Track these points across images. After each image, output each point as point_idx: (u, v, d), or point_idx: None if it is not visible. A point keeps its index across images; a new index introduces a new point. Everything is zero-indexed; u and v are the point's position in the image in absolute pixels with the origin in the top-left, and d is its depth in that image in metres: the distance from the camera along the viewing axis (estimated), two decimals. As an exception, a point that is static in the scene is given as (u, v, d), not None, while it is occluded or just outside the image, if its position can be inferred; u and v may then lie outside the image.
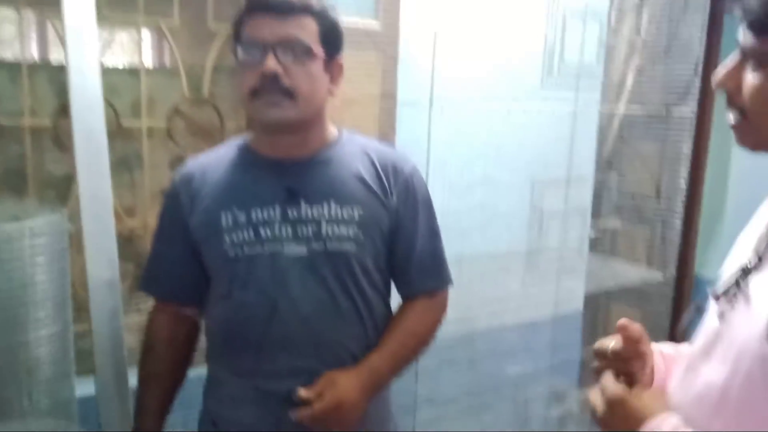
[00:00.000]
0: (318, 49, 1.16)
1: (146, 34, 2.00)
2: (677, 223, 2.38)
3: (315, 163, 1.22)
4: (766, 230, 0.80)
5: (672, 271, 2.41)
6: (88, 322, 1.49)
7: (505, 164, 2.34)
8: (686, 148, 2.33)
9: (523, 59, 2.24)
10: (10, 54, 1.83)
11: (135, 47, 1.96)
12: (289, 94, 1.13)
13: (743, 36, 0.73)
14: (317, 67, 1.17)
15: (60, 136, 1.86)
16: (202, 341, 1.33)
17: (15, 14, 1.79)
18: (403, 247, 1.27)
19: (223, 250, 1.19)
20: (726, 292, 0.79)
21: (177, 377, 1.33)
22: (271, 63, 1.11)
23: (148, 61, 2.02)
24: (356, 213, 1.20)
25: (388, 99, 2.17)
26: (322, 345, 1.20)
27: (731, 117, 0.76)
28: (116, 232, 1.99)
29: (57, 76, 1.81)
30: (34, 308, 1.24)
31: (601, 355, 0.90)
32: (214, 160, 1.28)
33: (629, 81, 2.60)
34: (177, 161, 2.09)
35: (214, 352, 1.28)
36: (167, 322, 1.31)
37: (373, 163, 1.25)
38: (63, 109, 1.63)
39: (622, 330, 0.88)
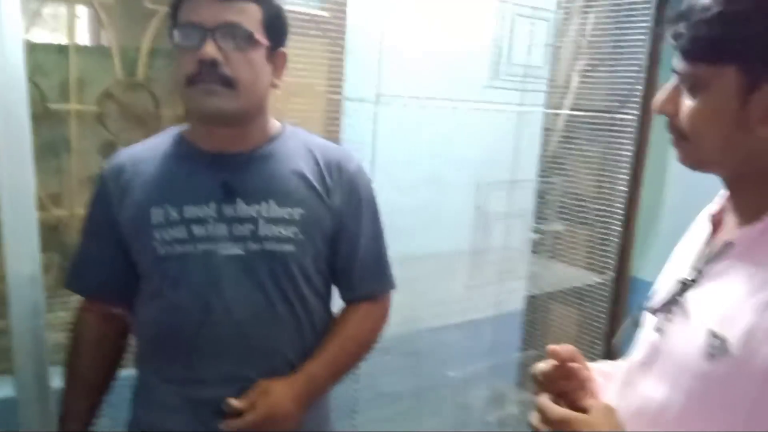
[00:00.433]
0: (261, 37, 1.10)
1: (79, 11, 1.87)
2: (617, 225, 2.42)
3: (254, 158, 1.17)
4: (704, 246, 0.82)
5: (611, 273, 2.46)
6: (6, 318, 1.40)
7: (451, 164, 2.33)
8: (627, 151, 2.37)
9: (471, 58, 2.23)
10: None
11: (66, 23, 1.83)
12: (229, 82, 1.07)
13: (677, 62, 0.76)
14: (259, 56, 1.10)
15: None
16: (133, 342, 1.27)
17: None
18: (345, 249, 1.22)
19: (153, 248, 1.13)
20: (663, 306, 0.81)
21: (105, 380, 1.27)
22: (209, 49, 1.05)
23: (80, 39, 1.89)
24: (296, 212, 1.15)
25: (334, 91, 2.12)
26: (257, 351, 1.14)
27: (672, 138, 0.80)
28: (41, 221, 1.88)
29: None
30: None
31: (535, 379, 0.90)
32: (146, 151, 1.21)
33: (574, 83, 2.63)
34: (107, 147, 1.98)
35: (143, 356, 1.22)
36: (94, 322, 1.25)
37: (316, 161, 1.20)
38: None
39: (552, 355, 0.89)
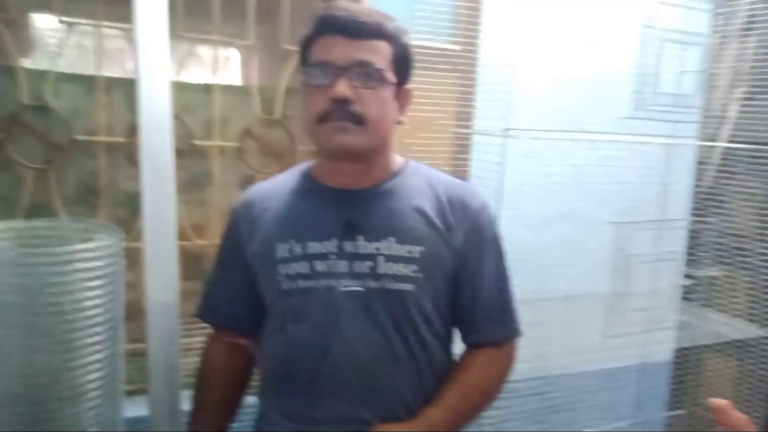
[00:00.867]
0: (390, 75, 1.09)
1: (221, 53, 2.00)
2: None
3: (376, 195, 1.15)
4: None
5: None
6: (143, 340, 1.48)
7: (589, 200, 2.19)
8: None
9: (612, 87, 2.09)
10: (87, 68, 1.87)
11: (211, 65, 1.96)
12: (359, 120, 1.06)
13: None
14: (388, 93, 1.10)
15: (133, 153, 1.88)
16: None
17: (93, 28, 1.82)
18: (467, 290, 1.16)
19: (277, 282, 1.14)
20: None
21: (230, 408, 1.30)
22: (342, 87, 1.05)
23: (223, 79, 2.01)
24: (416, 250, 1.10)
25: (463, 125, 2.08)
26: (375, 393, 1.10)
27: None
28: (185, 251, 2.00)
29: (132, 92, 1.83)
30: (85, 334, 1.22)
31: None
32: (275, 188, 1.24)
33: (732, 112, 2.39)
34: (247, 181, 2.07)
35: (264, 389, 1.23)
36: (222, 352, 1.29)
37: (438, 197, 1.16)
38: (137, 126, 1.64)
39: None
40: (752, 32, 2.33)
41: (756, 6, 2.32)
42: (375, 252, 1.10)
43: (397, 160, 1.21)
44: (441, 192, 1.17)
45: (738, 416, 0.76)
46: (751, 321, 2.28)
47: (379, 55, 1.08)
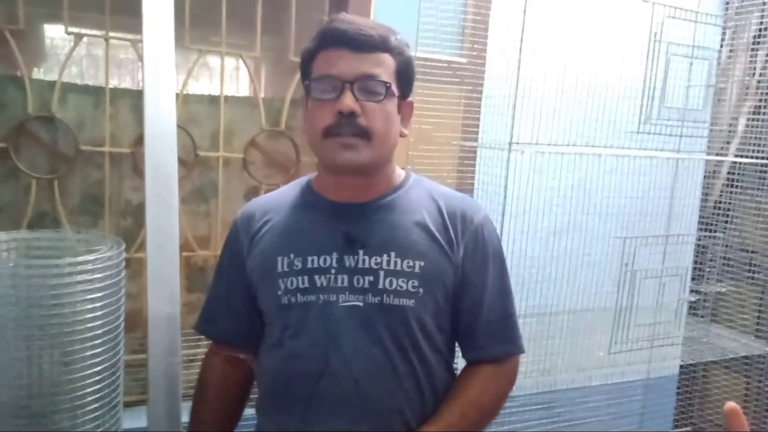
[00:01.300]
0: (395, 88, 1.09)
1: (229, 64, 2.00)
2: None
3: (377, 208, 1.14)
4: None
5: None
6: (145, 351, 1.47)
7: (594, 214, 2.17)
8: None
9: (620, 100, 2.08)
10: (93, 79, 1.88)
11: (217, 77, 1.97)
12: (365, 134, 1.06)
13: None
14: (392, 106, 1.10)
15: (138, 164, 1.88)
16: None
17: (102, 41, 1.83)
18: (468, 305, 1.15)
19: (277, 296, 1.13)
20: None
21: (229, 422, 1.28)
22: (348, 101, 1.04)
23: (229, 91, 2.02)
24: (417, 265, 1.09)
25: (469, 138, 2.07)
26: (374, 409, 1.09)
27: None
28: (189, 262, 2.00)
29: (139, 103, 1.84)
30: (85, 346, 1.22)
31: None
32: (275, 201, 1.23)
33: (740, 126, 2.37)
34: (252, 192, 2.07)
35: (262, 403, 1.22)
36: (221, 365, 1.28)
37: (440, 211, 1.15)
38: (143, 137, 1.65)
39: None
40: (761, 46, 2.31)
41: (765, 20, 2.31)
42: (375, 267, 1.09)
43: (399, 173, 1.20)
44: (442, 205, 1.16)
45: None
46: (759, 337, 2.25)
47: (384, 68, 1.08)
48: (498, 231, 1.56)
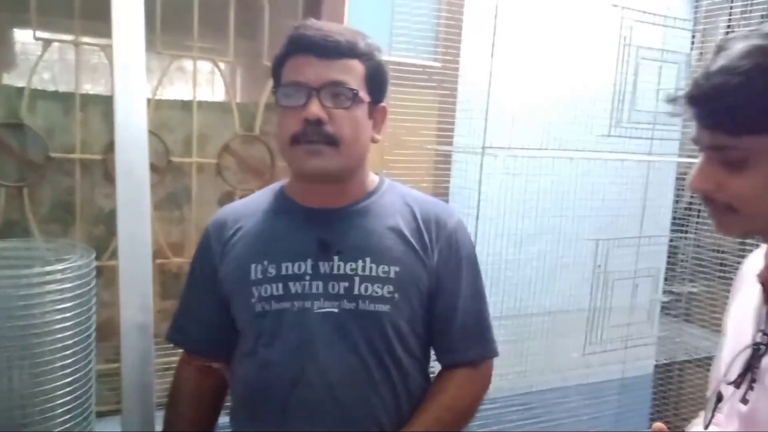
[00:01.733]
0: (364, 94, 1.08)
1: (201, 69, 1.99)
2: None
3: (351, 214, 1.14)
4: (761, 306, 0.81)
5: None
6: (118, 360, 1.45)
7: (568, 216, 2.19)
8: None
9: (591, 104, 2.11)
10: (63, 85, 1.85)
11: (190, 82, 1.95)
12: (332, 141, 1.05)
13: (707, 136, 0.73)
14: (362, 112, 1.09)
15: (109, 170, 1.86)
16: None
17: (72, 47, 1.80)
18: (443, 309, 1.15)
19: (251, 304, 1.12)
20: (742, 376, 0.80)
21: (203, 430, 1.26)
22: (315, 108, 1.04)
23: (202, 96, 2.00)
24: (392, 270, 1.10)
25: (443, 141, 2.08)
26: (350, 415, 1.09)
27: (713, 212, 0.77)
28: (163, 269, 1.98)
29: (110, 109, 1.81)
30: (56, 356, 1.20)
31: None
32: (248, 207, 1.22)
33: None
34: (226, 197, 2.06)
35: (236, 413, 1.21)
36: (193, 375, 1.26)
37: (414, 216, 1.15)
38: (114, 143, 1.63)
39: None
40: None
41: (733, 23, 2.35)
42: (351, 272, 1.09)
43: (373, 178, 1.20)
44: (417, 211, 1.16)
45: None
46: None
47: (352, 74, 1.07)
48: (472, 234, 1.57)
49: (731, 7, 2.33)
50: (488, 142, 1.81)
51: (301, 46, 1.07)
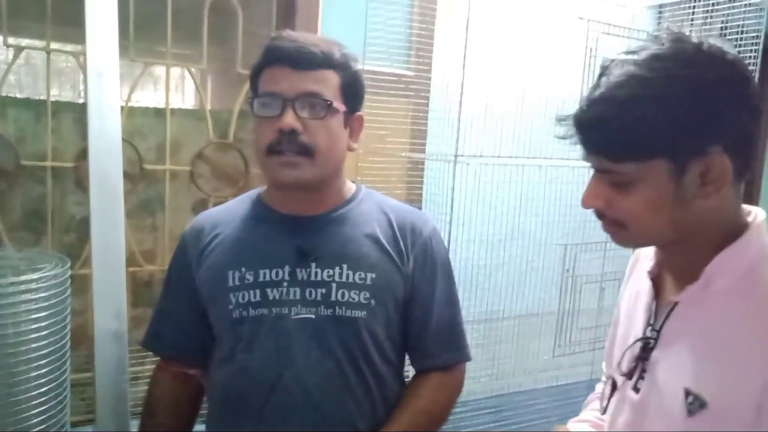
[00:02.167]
0: (339, 104, 1.09)
1: (175, 76, 1.99)
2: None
3: (328, 221, 1.15)
4: (650, 302, 0.87)
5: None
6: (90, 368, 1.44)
7: (537, 222, 2.25)
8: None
9: (558, 113, 2.16)
10: (35, 92, 1.83)
11: (163, 89, 1.95)
12: (307, 151, 1.07)
13: (595, 160, 0.79)
14: (337, 122, 1.10)
15: (82, 178, 1.85)
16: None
17: (43, 53, 1.78)
18: (418, 314, 1.17)
19: (229, 310, 1.12)
20: (633, 367, 0.86)
21: None
22: (289, 119, 1.05)
23: (176, 103, 2.00)
24: (369, 277, 1.11)
25: (417, 149, 2.11)
26: (326, 420, 1.10)
27: (605, 226, 0.83)
28: (135, 276, 1.97)
29: (82, 116, 1.80)
30: (29, 367, 1.19)
31: None
32: (225, 214, 1.23)
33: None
34: (200, 205, 2.06)
35: (213, 419, 1.21)
36: (170, 382, 1.25)
37: (390, 223, 1.18)
38: (86, 151, 1.62)
39: None
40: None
41: (694, 31, 2.43)
42: (328, 279, 1.11)
43: (349, 186, 1.22)
44: (393, 218, 1.18)
45: None
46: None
47: (327, 84, 1.08)
48: (445, 240, 1.60)
49: (692, 20, 2.41)
50: (460, 151, 1.85)
51: (276, 57, 1.08)
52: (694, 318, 0.80)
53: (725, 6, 2.24)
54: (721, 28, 2.35)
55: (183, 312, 1.21)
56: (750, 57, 2.16)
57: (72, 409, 1.51)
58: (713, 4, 2.29)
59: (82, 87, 2.20)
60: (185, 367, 1.24)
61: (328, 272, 1.11)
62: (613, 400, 0.91)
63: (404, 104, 2.08)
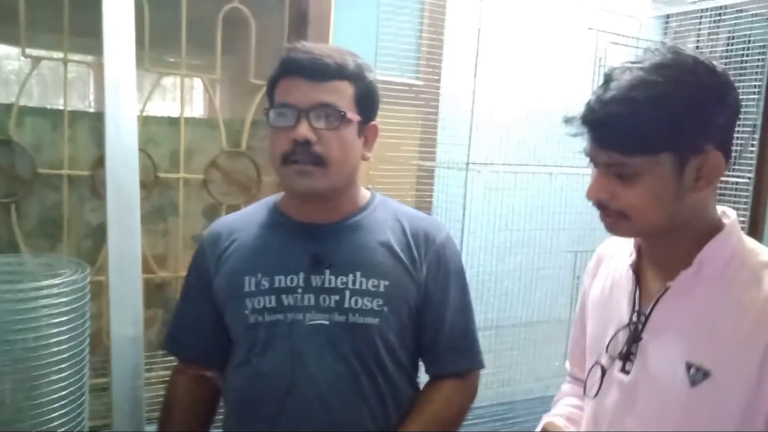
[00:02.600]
0: (353, 115, 1.11)
1: (188, 85, 2.02)
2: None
3: (343, 229, 1.17)
4: (633, 291, 0.95)
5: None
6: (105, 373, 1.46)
7: (548, 230, 2.26)
8: (740, 216, 2.21)
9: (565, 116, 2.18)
10: (51, 101, 1.86)
11: (177, 98, 1.97)
12: (320, 161, 1.08)
13: (601, 154, 0.86)
14: (351, 132, 1.12)
15: (97, 186, 1.87)
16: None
17: (60, 63, 1.82)
18: (431, 322, 1.19)
19: (244, 316, 1.14)
20: (621, 351, 0.94)
21: None
22: (303, 129, 1.07)
23: (190, 112, 2.02)
24: (382, 284, 1.13)
25: (427, 157, 2.13)
26: (339, 425, 1.12)
27: (604, 217, 0.90)
28: (146, 280, 1.99)
29: (98, 125, 1.83)
30: (50, 369, 1.21)
31: None
32: (242, 220, 1.25)
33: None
34: (211, 210, 2.08)
35: (229, 422, 1.22)
36: (187, 384, 1.27)
37: (404, 231, 1.19)
38: (102, 159, 1.64)
39: None
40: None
41: (701, 44, 2.45)
42: (341, 286, 1.12)
43: (364, 194, 1.23)
44: (406, 226, 1.20)
45: None
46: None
47: (341, 95, 1.10)
48: (459, 248, 1.61)
49: (699, 29, 2.43)
50: (471, 159, 1.87)
51: (291, 68, 1.10)
52: (685, 300, 0.88)
53: (732, 16, 2.26)
54: (728, 38, 2.37)
55: (201, 316, 1.23)
56: (756, 67, 2.17)
57: (93, 414, 1.53)
58: (720, 15, 2.31)
59: (92, 97, 2.24)
60: (203, 369, 1.26)
61: (342, 279, 1.13)
62: (603, 384, 0.97)
63: (414, 113, 2.10)
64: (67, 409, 1.27)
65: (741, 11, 2.21)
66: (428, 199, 2.13)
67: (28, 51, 1.75)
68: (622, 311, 0.97)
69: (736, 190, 2.22)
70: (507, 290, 2.20)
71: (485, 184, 2.04)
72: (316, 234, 1.16)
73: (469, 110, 1.91)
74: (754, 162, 2.19)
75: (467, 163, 1.86)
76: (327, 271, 1.13)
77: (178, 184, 2.00)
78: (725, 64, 2.31)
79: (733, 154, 2.28)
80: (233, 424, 1.20)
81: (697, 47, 2.46)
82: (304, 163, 1.08)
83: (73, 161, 1.86)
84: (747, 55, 2.23)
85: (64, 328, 1.22)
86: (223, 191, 2.10)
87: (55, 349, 1.21)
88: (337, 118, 1.09)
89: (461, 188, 1.91)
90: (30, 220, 1.86)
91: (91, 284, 1.82)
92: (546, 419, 1.11)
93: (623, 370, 0.94)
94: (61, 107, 1.82)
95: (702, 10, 2.34)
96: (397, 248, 1.17)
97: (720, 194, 2.25)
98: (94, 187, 1.89)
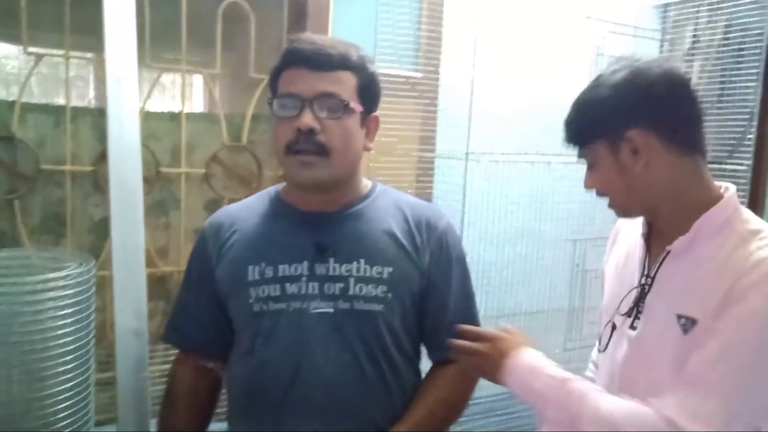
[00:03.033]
0: (356, 105, 1.13)
1: (189, 81, 2.02)
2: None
3: (346, 217, 1.19)
4: (643, 257, 1.08)
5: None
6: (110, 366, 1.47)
7: (547, 219, 2.27)
8: (740, 202, 2.22)
9: (566, 111, 2.19)
10: (53, 98, 1.87)
11: (178, 93, 1.98)
12: (324, 150, 1.10)
13: (578, 151, 1.07)
14: (354, 122, 1.13)
15: (100, 181, 1.89)
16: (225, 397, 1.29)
17: (61, 59, 1.82)
18: (434, 307, 1.20)
19: (248, 305, 1.15)
20: (631, 309, 1.06)
21: (197, 430, 1.28)
22: (307, 118, 1.08)
23: (190, 107, 2.03)
24: (386, 271, 1.14)
25: (426, 149, 2.15)
26: (344, 412, 1.13)
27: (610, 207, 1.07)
28: (150, 274, 2.00)
29: (100, 121, 1.84)
30: (55, 362, 1.22)
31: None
32: (244, 210, 1.26)
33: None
34: (212, 203, 2.09)
35: (233, 412, 1.23)
36: (189, 375, 1.28)
37: (405, 219, 1.21)
38: (104, 154, 1.66)
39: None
40: (695, 57, 2.46)
41: (698, 33, 2.46)
42: (346, 274, 1.14)
43: (365, 183, 1.25)
44: (408, 214, 1.21)
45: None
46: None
47: (344, 85, 1.11)
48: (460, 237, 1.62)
49: (697, 17, 2.44)
50: (470, 149, 1.88)
51: (295, 58, 1.12)
52: (681, 261, 1.00)
53: (729, 4, 2.27)
54: (725, 26, 2.38)
55: (202, 306, 1.24)
56: (754, 54, 2.18)
57: (99, 408, 1.54)
58: (717, 3, 2.32)
59: (94, 93, 2.25)
60: (204, 360, 1.26)
61: (346, 267, 1.14)
62: (613, 339, 1.10)
63: (413, 105, 2.11)
64: (74, 400, 1.28)
65: (738, -1, 2.22)
66: (428, 190, 2.14)
67: (30, 48, 1.76)
68: (634, 275, 1.08)
69: (735, 176, 2.23)
70: (506, 280, 2.22)
71: (484, 174, 2.05)
72: (319, 223, 1.18)
73: (468, 101, 1.92)
74: (752, 149, 2.20)
75: (467, 153, 1.87)
76: (331, 260, 1.14)
77: (179, 178, 2.02)
78: (723, 52, 2.32)
79: (732, 141, 2.31)
80: (238, 413, 1.21)
81: (695, 35, 2.47)
82: (308, 153, 1.10)
83: (75, 157, 1.87)
84: (744, 43, 2.24)
85: (70, 320, 1.24)
86: (224, 185, 2.11)
87: (61, 341, 1.22)
88: (340, 108, 1.10)
89: (461, 178, 1.92)
90: (34, 216, 1.87)
91: (95, 278, 1.85)
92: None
93: (632, 326, 1.05)
94: (64, 104, 1.83)
95: (700, -1, 2.35)
96: (400, 236, 1.18)
97: (719, 181, 2.27)
98: (97, 182, 1.90)
